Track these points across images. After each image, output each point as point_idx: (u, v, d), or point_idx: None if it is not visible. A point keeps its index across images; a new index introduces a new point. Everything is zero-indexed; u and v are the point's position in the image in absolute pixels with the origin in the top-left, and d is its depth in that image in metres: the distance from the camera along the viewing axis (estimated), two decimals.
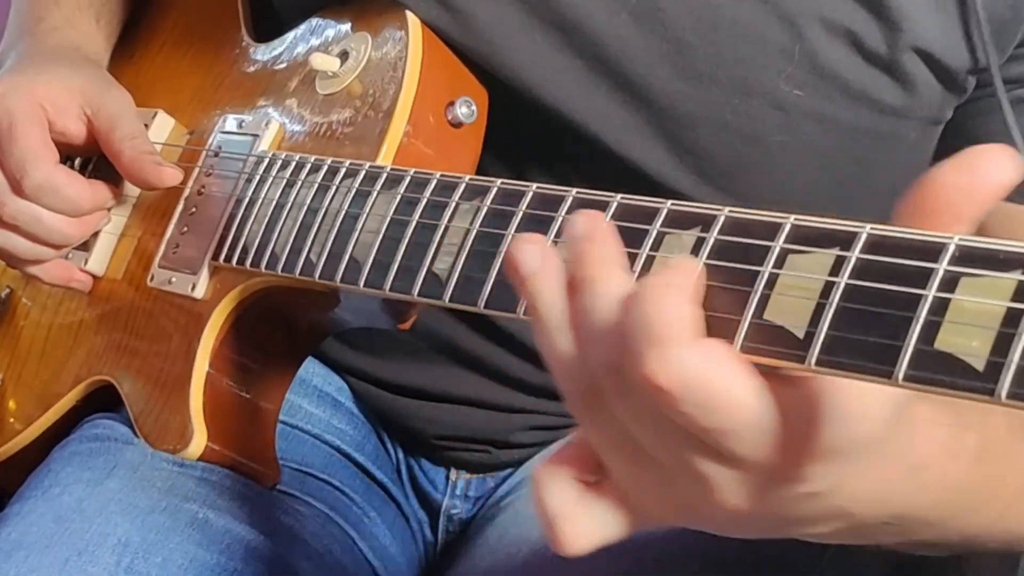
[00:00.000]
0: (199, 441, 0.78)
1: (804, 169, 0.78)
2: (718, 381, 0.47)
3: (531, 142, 0.81)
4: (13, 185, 0.84)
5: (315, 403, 0.95)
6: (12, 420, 0.96)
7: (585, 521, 0.52)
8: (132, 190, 0.91)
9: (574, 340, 0.51)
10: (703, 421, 0.47)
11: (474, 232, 0.63)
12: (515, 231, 0.61)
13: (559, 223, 0.60)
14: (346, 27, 0.84)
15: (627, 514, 0.53)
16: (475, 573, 0.79)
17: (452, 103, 0.78)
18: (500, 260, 0.61)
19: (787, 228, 0.52)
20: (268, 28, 0.93)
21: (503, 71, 0.79)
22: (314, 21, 0.87)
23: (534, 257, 0.52)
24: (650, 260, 0.55)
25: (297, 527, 0.84)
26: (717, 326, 0.52)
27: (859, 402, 0.48)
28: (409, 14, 0.79)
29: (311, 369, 0.96)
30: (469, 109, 0.78)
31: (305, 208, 0.74)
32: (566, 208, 0.60)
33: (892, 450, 0.51)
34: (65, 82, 0.87)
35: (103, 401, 0.90)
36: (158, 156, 0.85)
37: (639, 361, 0.47)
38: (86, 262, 0.91)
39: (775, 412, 0.48)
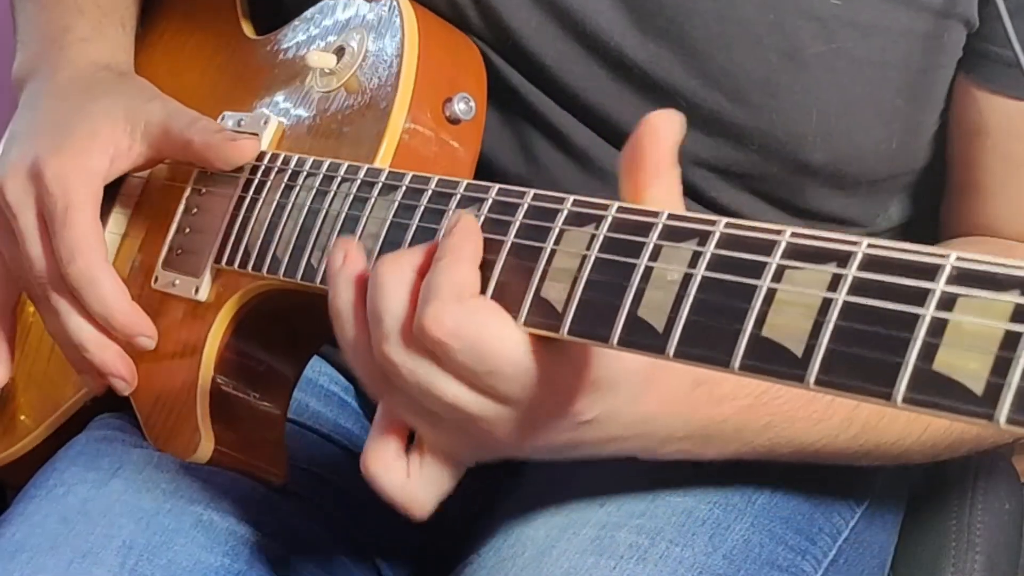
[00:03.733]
0: (207, 446, 0.78)
1: (840, 80, 0.77)
2: (486, 330, 0.57)
3: (566, 78, 0.81)
4: (62, 269, 0.81)
5: (322, 402, 0.95)
6: (23, 418, 0.96)
7: (421, 488, 0.62)
8: (133, 189, 0.91)
9: (359, 326, 0.61)
10: (475, 366, 0.57)
11: None
12: (513, 239, 0.61)
13: (556, 232, 0.59)
14: (343, 19, 0.83)
15: (446, 463, 0.63)
16: (481, 573, 0.78)
17: (450, 100, 0.77)
18: (499, 269, 0.61)
19: (783, 244, 0.51)
20: (267, 17, 0.92)
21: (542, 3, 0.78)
22: (312, 12, 0.86)
23: (338, 257, 0.62)
24: (648, 271, 0.55)
25: (302, 528, 0.84)
26: (714, 340, 0.52)
27: None
28: (404, 5, 0.79)
29: (318, 368, 0.96)
30: (467, 106, 0.77)
31: (305, 211, 0.74)
32: (563, 218, 0.59)
33: (669, 372, 0.61)
34: (109, 120, 0.84)
35: (114, 399, 0.90)
36: (228, 131, 0.82)
37: (418, 318, 0.56)
38: None
39: (542, 359, 0.57)
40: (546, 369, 0.58)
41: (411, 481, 0.62)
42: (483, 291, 0.60)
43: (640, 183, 0.58)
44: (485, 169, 0.80)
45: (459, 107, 0.77)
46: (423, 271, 0.59)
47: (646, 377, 0.61)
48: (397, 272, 0.59)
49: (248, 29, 0.93)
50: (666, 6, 0.76)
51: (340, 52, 0.80)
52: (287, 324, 0.82)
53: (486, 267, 0.61)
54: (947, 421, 0.72)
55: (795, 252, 0.51)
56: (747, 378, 0.64)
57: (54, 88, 0.89)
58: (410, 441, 0.64)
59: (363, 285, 0.61)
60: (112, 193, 0.92)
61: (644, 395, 0.62)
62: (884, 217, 0.87)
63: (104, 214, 0.91)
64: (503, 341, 0.57)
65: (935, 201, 0.87)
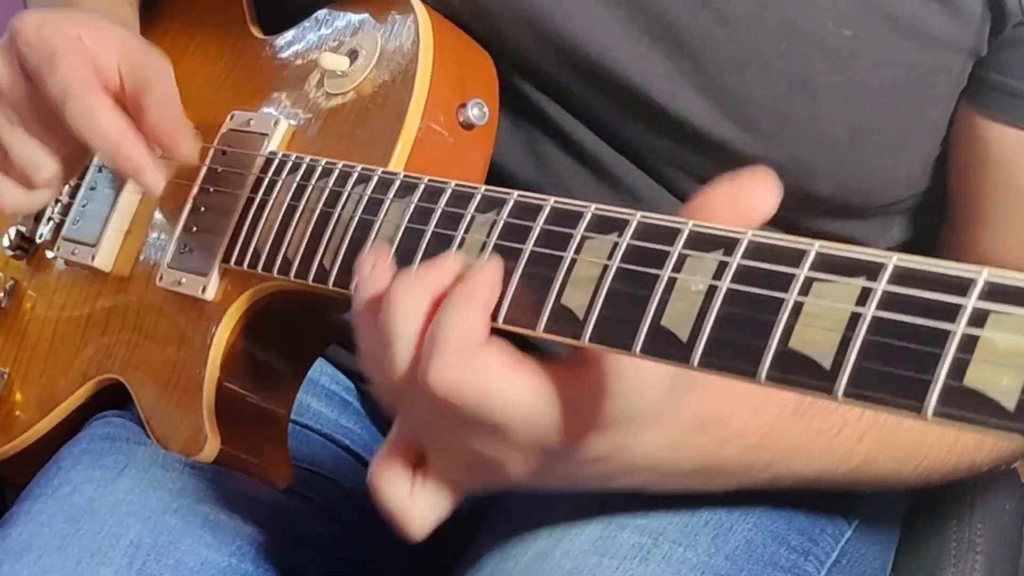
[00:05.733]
0: (212, 446, 0.78)
1: (850, 110, 0.77)
2: (492, 385, 0.56)
3: (575, 96, 0.81)
4: (58, 112, 0.78)
5: (324, 402, 0.95)
6: (20, 414, 0.95)
7: (421, 507, 0.62)
8: (138, 187, 0.90)
9: (374, 343, 0.60)
10: (483, 420, 0.56)
11: (491, 246, 0.63)
12: (532, 247, 0.61)
13: (577, 240, 0.59)
14: (356, 22, 0.83)
15: (449, 488, 0.63)
16: (484, 572, 0.79)
17: (464, 105, 0.77)
18: (518, 275, 0.61)
19: (812, 255, 0.51)
20: (275, 18, 0.92)
21: (543, 24, 0.78)
22: (323, 14, 0.86)
23: (365, 269, 0.62)
24: (672, 282, 0.55)
25: (307, 528, 0.84)
26: (740, 351, 0.52)
27: (637, 379, 0.57)
28: (420, 10, 0.78)
29: (319, 368, 0.96)
30: (481, 111, 0.77)
31: (317, 213, 0.73)
32: (584, 225, 0.59)
33: (679, 412, 0.61)
34: (106, 27, 0.83)
35: (115, 395, 0.90)
36: (184, 124, 0.81)
37: (422, 370, 0.56)
38: (93, 258, 0.90)
39: (552, 403, 0.57)
40: (556, 413, 0.58)
41: (413, 499, 0.62)
42: (501, 298, 0.60)
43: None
44: (494, 174, 0.80)
45: (473, 112, 0.77)
46: (437, 298, 0.59)
47: (653, 417, 0.61)
48: (410, 298, 0.59)
49: (255, 30, 0.92)
50: (678, 32, 0.76)
51: (353, 55, 0.80)
52: (294, 325, 0.82)
53: (505, 274, 0.61)
54: (943, 453, 0.75)
55: (824, 264, 0.51)
56: (754, 419, 0.67)
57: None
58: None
59: (379, 304, 0.61)
60: (116, 188, 0.92)
61: (651, 434, 0.62)
62: (887, 238, 0.87)
63: (108, 209, 0.91)
64: (511, 394, 0.57)
65: (938, 219, 0.88)
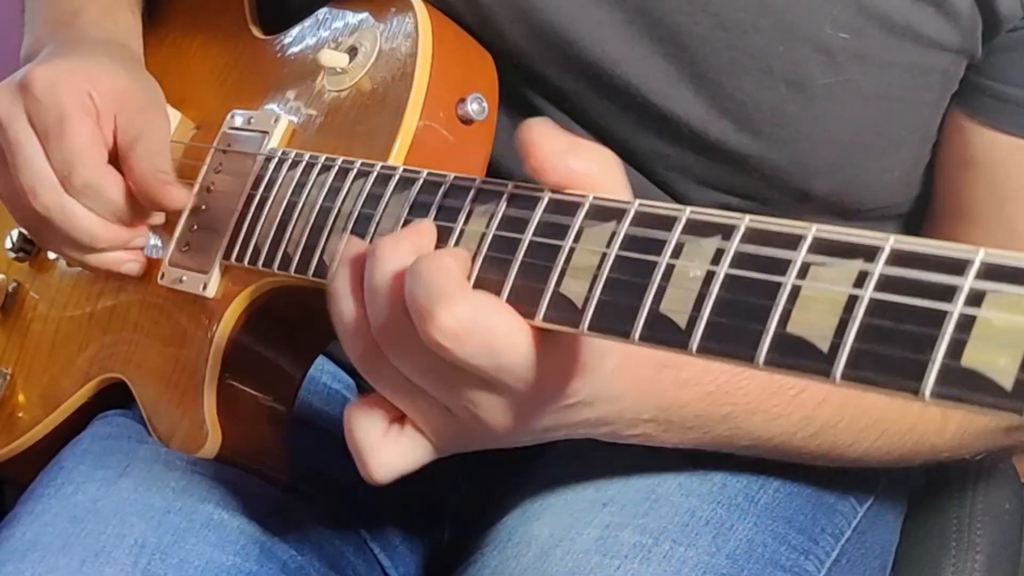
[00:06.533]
0: (214, 442, 0.78)
1: (846, 111, 0.78)
2: (495, 325, 0.56)
3: (573, 97, 0.81)
4: (61, 180, 0.81)
5: (325, 400, 0.95)
6: (22, 414, 0.96)
7: (390, 452, 0.62)
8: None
9: (355, 306, 0.60)
10: (484, 361, 0.56)
11: (490, 236, 0.63)
12: (531, 237, 0.61)
13: (576, 228, 0.59)
14: (355, 20, 0.83)
15: (427, 442, 0.63)
16: (485, 572, 0.79)
17: (463, 100, 0.77)
18: (517, 265, 0.61)
19: (809, 239, 0.51)
20: (276, 18, 0.92)
21: (543, 26, 0.78)
22: (322, 13, 0.87)
23: (340, 246, 0.63)
24: (670, 269, 0.55)
25: (310, 526, 0.84)
26: (738, 336, 0.52)
27: None
28: (419, 7, 0.79)
29: (320, 366, 0.96)
30: (480, 106, 0.77)
31: (317, 209, 0.73)
32: (583, 214, 0.59)
33: (638, 352, 0.59)
34: (112, 77, 0.84)
35: (117, 395, 0.90)
36: (169, 177, 0.82)
37: (427, 318, 0.55)
38: None
39: (541, 345, 0.57)
40: (545, 358, 0.58)
41: (383, 442, 0.62)
42: (501, 288, 0.60)
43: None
44: (493, 170, 0.80)
45: (472, 107, 0.77)
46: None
47: (619, 356, 0.62)
48: (398, 251, 0.59)
49: (256, 30, 0.93)
50: (677, 34, 0.77)
51: (352, 52, 0.80)
52: (295, 322, 0.82)
53: (504, 264, 0.61)
54: (902, 431, 0.75)
55: (821, 247, 0.51)
56: (711, 366, 0.67)
57: (58, 47, 0.89)
58: None
59: (360, 265, 0.61)
60: None
61: (618, 374, 0.63)
62: None
63: None
64: (514, 339, 0.57)
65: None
